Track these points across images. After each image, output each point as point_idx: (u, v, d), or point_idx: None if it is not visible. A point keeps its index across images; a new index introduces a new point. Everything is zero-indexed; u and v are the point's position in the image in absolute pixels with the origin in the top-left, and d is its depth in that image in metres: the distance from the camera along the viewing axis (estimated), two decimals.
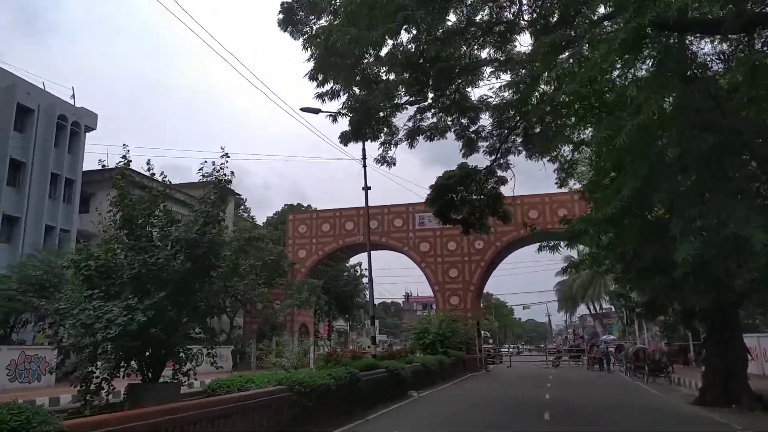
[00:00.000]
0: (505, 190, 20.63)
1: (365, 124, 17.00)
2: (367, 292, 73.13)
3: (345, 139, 17.18)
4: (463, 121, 18.29)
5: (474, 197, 20.28)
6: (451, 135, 18.46)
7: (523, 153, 19.05)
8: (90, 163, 35.55)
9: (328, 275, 44.05)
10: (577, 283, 61.18)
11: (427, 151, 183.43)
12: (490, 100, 17.14)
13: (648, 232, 9.49)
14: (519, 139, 18.74)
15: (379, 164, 17.22)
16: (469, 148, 18.90)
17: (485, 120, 18.26)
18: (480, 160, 20.29)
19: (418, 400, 17.34)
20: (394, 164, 17.23)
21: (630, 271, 12.39)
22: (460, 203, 20.20)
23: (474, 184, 19.87)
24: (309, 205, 54.09)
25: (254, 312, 39.47)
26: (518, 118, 17.71)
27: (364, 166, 19.98)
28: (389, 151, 17.12)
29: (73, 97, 35.41)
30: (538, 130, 18.04)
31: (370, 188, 20.49)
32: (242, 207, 64.31)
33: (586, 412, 15.13)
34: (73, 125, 33.63)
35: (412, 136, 17.23)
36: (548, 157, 19.53)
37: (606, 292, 60.45)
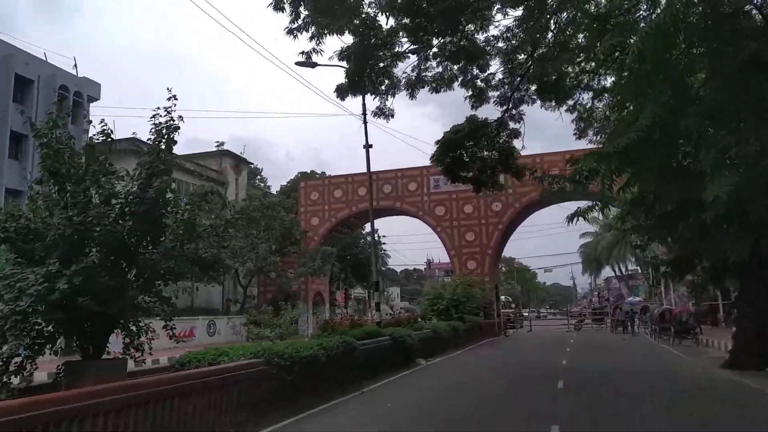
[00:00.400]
0: (520, 145, 19.22)
1: (363, 75, 15.71)
2: (386, 259, 71.99)
3: (341, 92, 15.89)
4: (471, 69, 16.89)
5: (485, 153, 18.89)
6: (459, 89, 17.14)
7: (538, 102, 17.68)
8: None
9: (343, 242, 43.15)
10: (601, 245, 59.43)
11: (450, 116, 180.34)
12: (498, 43, 15.74)
13: (671, 169, 8.02)
14: (532, 87, 17.32)
15: (376, 117, 15.96)
16: (479, 98, 17.54)
17: (495, 67, 16.87)
18: (491, 112, 18.86)
19: (426, 369, 16.38)
20: (392, 116, 16.01)
21: (650, 218, 10.88)
22: (470, 160, 18.83)
23: (485, 139, 18.45)
24: (323, 172, 52.96)
25: (268, 281, 38.91)
26: (530, 63, 16.26)
27: (365, 122, 18.68)
28: (387, 101, 15.77)
29: (76, 68, 34.47)
30: (554, 77, 16.66)
31: (371, 146, 19.25)
32: (258, 177, 63.57)
33: (604, 378, 13.99)
34: (75, 95, 32.76)
35: (412, 86, 15.89)
36: (565, 107, 18.11)
37: (632, 253, 58.66)
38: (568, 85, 16.79)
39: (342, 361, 11.94)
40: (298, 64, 19.07)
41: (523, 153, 19.92)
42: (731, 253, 8.11)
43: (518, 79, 17.02)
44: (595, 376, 14.44)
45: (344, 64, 15.27)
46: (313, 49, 12.08)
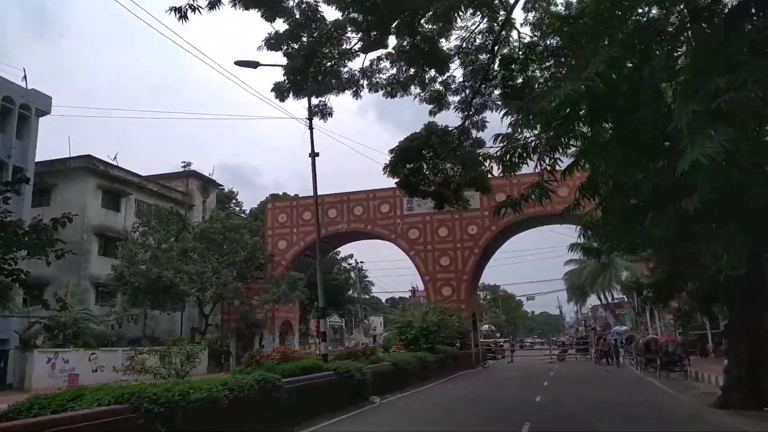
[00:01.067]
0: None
1: (306, 73, 13.90)
2: (369, 287, 69.23)
3: (280, 91, 14.06)
4: (429, 71, 15.23)
5: (448, 165, 17.06)
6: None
7: (502, 109, 15.99)
8: (50, 152, 32.86)
9: (313, 268, 40.85)
10: (586, 272, 57.63)
11: None
12: (455, 40, 14.11)
13: (635, 139, 5.95)
14: (497, 92, 15.69)
15: (315, 116, 14.13)
16: (437, 102, 15.84)
17: (454, 68, 15.23)
18: (454, 121, 17.15)
19: (377, 408, 14.18)
20: (331, 115, 14.16)
21: (610, 211, 8.79)
22: (432, 172, 16.97)
23: (445, 148, 16.63)
24: (296, 195, 50.95)
25: (232, 309, 36.53)
26: (492, 62, 14.64)
27: (311, 127, 16.77)
28: (327, 101, 14.05)
29: (25, 79, 32.52)
30: (519, 80, 15.08)
31: (318, 154, 17.24)
32: (234, 201, 61.63)
33: (580, 418, 11.94)
34: (22, 108, 30.69)
35: (356, 84, 14.12)
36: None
37: (617, 281, 56.88)
38: (537, 91, 15.21)
39: (257, 402, 9.82)
40: (237, 63, 17.38)
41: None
42: (724, 254, 6.10)
43: (479, 83, 15.39)
44: (569, 416, 12.39)
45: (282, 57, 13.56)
46: (190, 5, 9.40)
